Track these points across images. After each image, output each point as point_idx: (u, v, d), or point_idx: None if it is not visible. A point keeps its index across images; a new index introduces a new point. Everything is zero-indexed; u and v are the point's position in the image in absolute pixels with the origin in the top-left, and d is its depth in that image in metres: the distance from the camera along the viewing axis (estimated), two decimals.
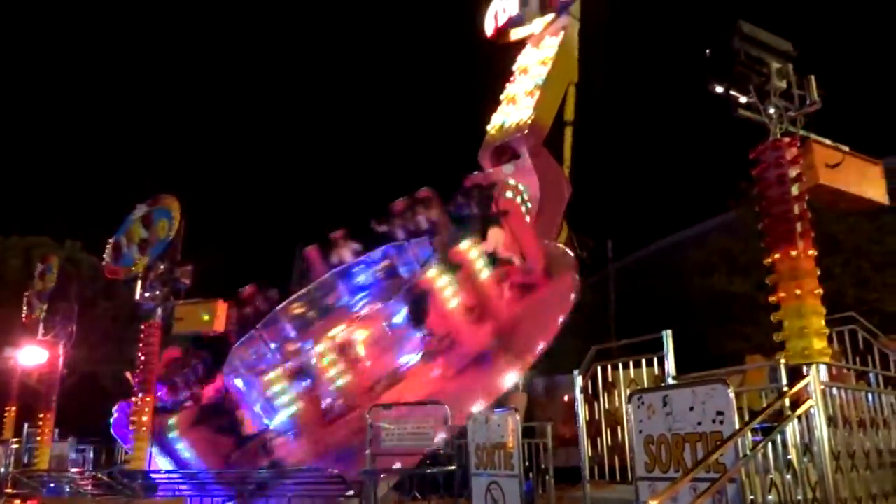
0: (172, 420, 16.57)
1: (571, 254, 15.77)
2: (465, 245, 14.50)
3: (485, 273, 14.58)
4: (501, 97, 18.41)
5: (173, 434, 16.38)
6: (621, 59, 45.57)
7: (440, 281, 14.25)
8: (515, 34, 19.16)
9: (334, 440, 13.93)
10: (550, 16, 18.37)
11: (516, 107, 17.70)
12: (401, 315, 14.58)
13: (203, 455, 16.16)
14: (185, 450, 16.36)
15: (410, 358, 14.85)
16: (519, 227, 15.19)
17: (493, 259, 14.77)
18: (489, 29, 19.68)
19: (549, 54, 17.86)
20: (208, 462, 16.01)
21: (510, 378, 14.03)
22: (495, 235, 14.81)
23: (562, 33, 18.06)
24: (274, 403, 14.68)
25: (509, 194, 15.19)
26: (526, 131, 16.95)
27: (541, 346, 14.21)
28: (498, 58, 19.45)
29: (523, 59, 18.64)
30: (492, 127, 18.04)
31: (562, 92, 17.90)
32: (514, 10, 18.94)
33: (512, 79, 18.63)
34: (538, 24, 18.57)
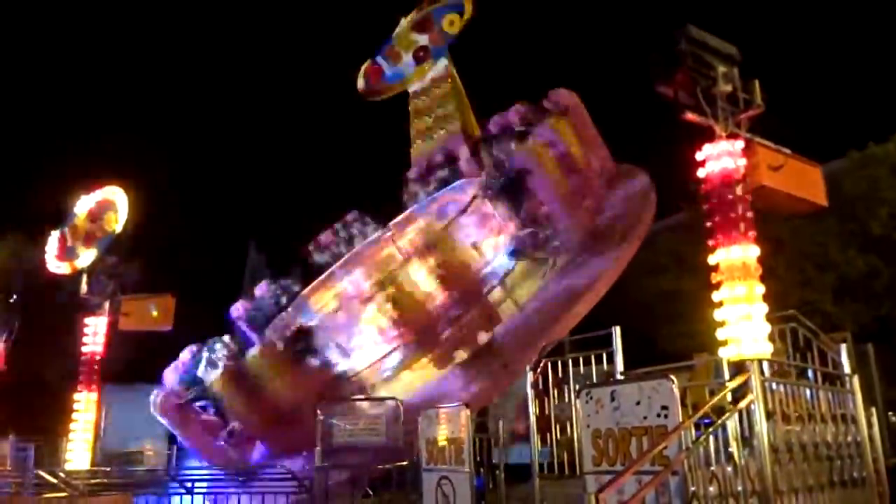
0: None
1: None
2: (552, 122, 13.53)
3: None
4: (410, 129, 18.95)
5: None
6: (573, 58, 46.08)
7: (542, 155, 13.14)
8: (392, 89, 19.78)
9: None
10: (428, 63, 18.92)
11: (432, 130, 18.29)
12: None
13: (189, 435, 15.64)
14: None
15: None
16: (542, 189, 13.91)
17: None
18: (363, 88, 20.17)
19: (445, 86, 18.58)
20: (196, 442, 15.54)
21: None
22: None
23: (446, 71, 18.71)
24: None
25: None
26: (459, 135, 17.44)
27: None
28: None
29: (417, 100, 19.18)
30: (414, 149, 18.52)
31: (471, 117, 18.49)
32: (387, 69, 19.62)
33: (412, 119, 19.17)
34: (417, 74, 19.12)
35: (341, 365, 14.78)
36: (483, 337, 13.74)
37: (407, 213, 17.07)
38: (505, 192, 13.76)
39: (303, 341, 14.57)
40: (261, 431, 14.98)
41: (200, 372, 15.63)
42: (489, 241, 14.28)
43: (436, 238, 13.79)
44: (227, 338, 16.37)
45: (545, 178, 13.31)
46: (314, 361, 14.54)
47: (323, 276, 17.38)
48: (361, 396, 12.50)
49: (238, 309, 17.82)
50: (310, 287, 17.37)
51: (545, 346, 10.86)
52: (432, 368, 14.18)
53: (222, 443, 15.42)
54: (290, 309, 17.07)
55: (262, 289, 17.89)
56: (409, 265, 13.81)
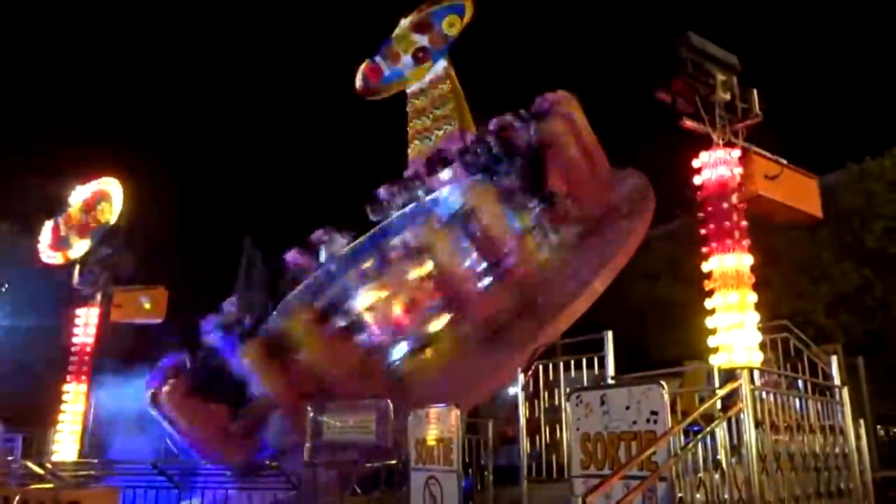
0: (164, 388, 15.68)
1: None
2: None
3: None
4: (408, 130, 18.97)
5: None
6: (572, 63, 46.16)
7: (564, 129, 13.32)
8: (391, 89, 19.82)
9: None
10: (427, 65, 18.97)
11: (430, 131, 18.33)
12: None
13: (196, 425, 15.47)
14: (175, 420, 15.61)
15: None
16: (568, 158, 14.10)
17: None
18: (361, 87, 20.20)
19: (444, 87, 18.59)
20: (203, 433, 15.35)
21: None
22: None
23: (445, 73, 18.77)
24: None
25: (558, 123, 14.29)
26: (456, 134, 17.47)
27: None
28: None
29: (415, 101, 19.20)
30: (412, 150, 18.52)
31: (469, 119, 18.52)
32: (386, 70, 19.64)
33: (410, 119, 19.19)
34: (416, 74, 19.16)
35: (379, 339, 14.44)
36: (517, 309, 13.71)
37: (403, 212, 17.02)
38: (522, 171, 13.82)
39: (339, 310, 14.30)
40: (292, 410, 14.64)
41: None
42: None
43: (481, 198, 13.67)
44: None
45: (567, 152, 13.67)
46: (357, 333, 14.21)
47: (347, 249, 17.22)
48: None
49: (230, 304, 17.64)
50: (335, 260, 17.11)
51: (536, 349, 10.86)
52: (462, 346, 13.96)
53: (230, 433, 15.17)
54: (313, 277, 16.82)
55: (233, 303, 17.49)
56: (446, 236, 13.66)
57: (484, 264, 13.84)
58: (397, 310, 13.87)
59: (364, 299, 14.00)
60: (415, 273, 13.73)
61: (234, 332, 15.88)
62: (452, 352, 13.91)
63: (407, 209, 16.97)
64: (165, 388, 15.73)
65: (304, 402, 12.65)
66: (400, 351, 14.49)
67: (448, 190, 15.64)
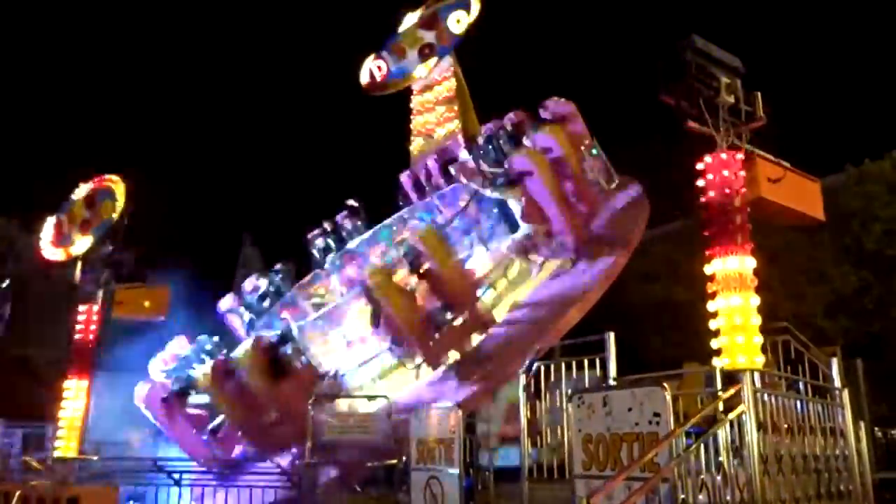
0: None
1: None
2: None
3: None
4: (411, 126, 18.98)
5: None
6: (578, 63, 46.22)
7: (539, 159, 13.04)
8: (396, 85, 19.83)
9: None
10: (433, 60, 18.98)
11: (433, 128, 18.34)
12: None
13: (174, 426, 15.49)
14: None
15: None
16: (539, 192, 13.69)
17: None
18: (366, 82, 20.22)
19: (449, 84, 18.60)
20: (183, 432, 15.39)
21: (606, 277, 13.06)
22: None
23: (450, 70, 18.77)
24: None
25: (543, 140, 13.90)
26: (459, 136, 17.42)
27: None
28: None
29: (420, 97, 19.21)
30: (415, 147, 18.55)
31: (473, 118, 18.51)
32: (391, 65, 19.66)
33: (413, 116, 19.22)
34: (421, 71, 19.17)
35: (326, 364, 14.72)
36: (476, 339, 13.75)
37: (399, 214, 17.06)
38: (500, 195, 13.81)
39: (288, 338, 14.53)
40: (246, 427, 14.90)
41: (188, 364, 15.56)
42: (481, 246, 14.31)
43: (428, 241, 13.75)
44: (216, 338, 16.26)
45: (542, 182, 13.39)
46: (301, 358, 14.49)
47: (309, 277, 17.36)
48: (355, 394, 12.46)
49: (226, 303, 17.74)
50: (297, 285, 17.32)
51: (538, 350, 10.88)
52: (422, 370, 14.14)
53: (206, 438, 15.31)
54: (277, 304, 17.01)
55: (249, 283, 17.77)
56: (400, 268, 13.81)
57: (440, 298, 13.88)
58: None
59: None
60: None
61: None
62: (409, 380, 14.13)
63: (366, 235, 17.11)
64: (145, 390, 15.78)
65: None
66: (359, 375, 14.67)
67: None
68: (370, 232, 17.21)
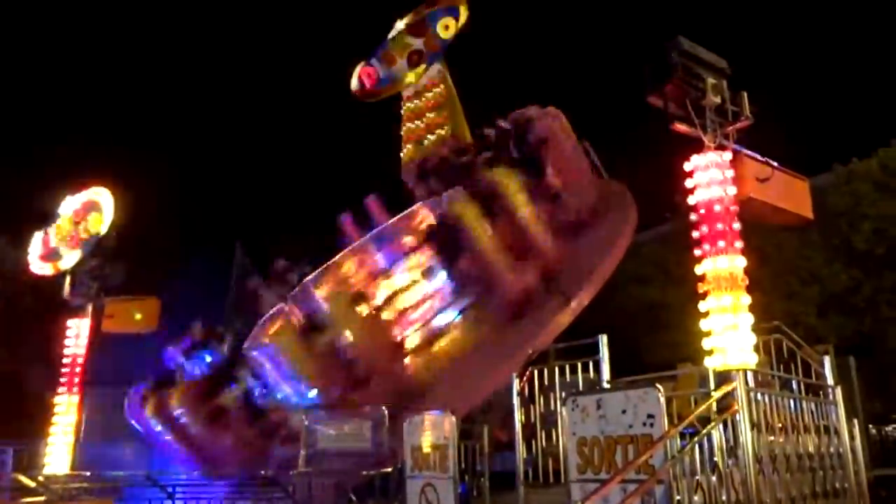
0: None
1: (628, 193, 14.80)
2: (499, 174, 13.13)
3: (523, 208, 13.16)
4: (401, 132, 19.00)
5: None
6: (566, 66, 46.40)
7: (470, 215, 12.71)
8: (385, 91, 19.90)
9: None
10: (422, 67, 19.06)
11: (424, 133, 18.37)
12: (428, 265, 13.19)
13: (213, 434, 15.29)
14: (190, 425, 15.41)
15: (445, 315, 13.71)
16: (561, 158, 13.82)
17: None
18: (356, 89, 20.29)
19: (439, 89, 18.66)
20: (218, 441, 15.17)
21: (557, 327, 12.71)
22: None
23: (440, 75, 18.86)
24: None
25: (550, 122, 14.03)
26: (449, 138, 17.51)
27: (589, 290, 13.04)
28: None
29: (410, 102, 19.27)
30: (405, 153, 18.56)
31: (462, 123, 18.55)
32: (381, 71, 19.74)
33: (404, 122, 19.24)
34: (411, 77, 19.25)
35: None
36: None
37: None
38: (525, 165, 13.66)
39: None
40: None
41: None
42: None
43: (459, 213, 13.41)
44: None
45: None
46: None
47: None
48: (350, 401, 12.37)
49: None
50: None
51: (531, 354, 10.87)
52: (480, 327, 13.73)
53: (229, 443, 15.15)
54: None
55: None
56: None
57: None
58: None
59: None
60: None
61: (203, 353, 15.82)
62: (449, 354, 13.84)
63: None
64: (150, 400, 15.65)
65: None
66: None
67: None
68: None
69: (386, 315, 13.44)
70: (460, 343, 13.59)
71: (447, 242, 13.05)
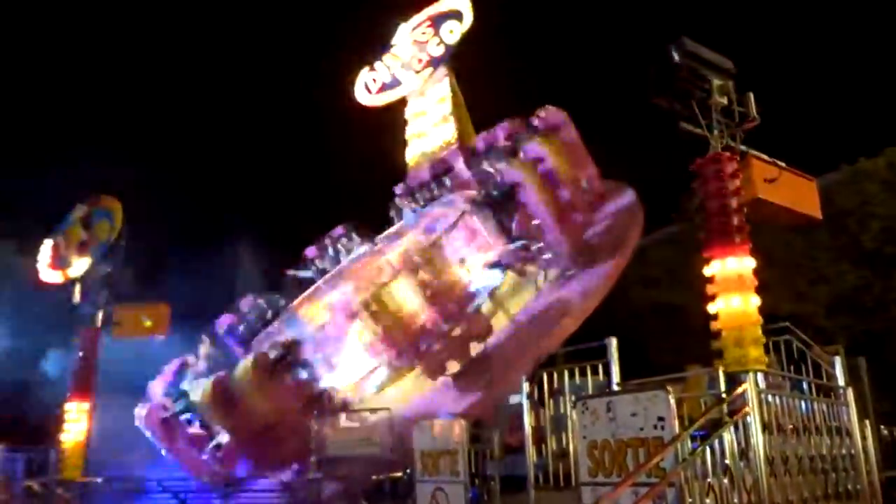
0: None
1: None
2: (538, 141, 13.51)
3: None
4: (406, 136, 19.06)
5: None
6: (570, 69, 46.32)
7: (529, 170, 13.15)
8: (390, 96, 19.96)
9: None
10: (427, 71, 19.10)
11: (429, 138, 18.41)
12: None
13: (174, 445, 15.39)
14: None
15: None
16: (532, 202, 13.90)
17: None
18: (361, 96, 20.36)
19: (444, 94, 18.70)
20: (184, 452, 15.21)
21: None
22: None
23: (445, 80, 18.88)
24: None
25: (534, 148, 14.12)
26: (455, 145, 17.51)
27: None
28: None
29: (415, 107, 19.32)
30: (411, 158, 18.63)
31: (468, 126, 18.59)
32: (386, 77, 19.80)
33: (409, 126, 19.30)
34: (416, 81, 19.29)
35: (326, 379, 14.66)
36: (475, 349, 13.73)
37: (395, 227, 17.12)
38: (495, 206, 13.90)
39: (290, 354, 14.47)
40: (245, 445, 14.81)
41: (186, 384, 15.50)
42: (477, 256, 14.34)
43: (424, 253, 13.78)
44: (211, 349, 16.18)
45: (534, 193, 13.44)
46: (301, 375, 14.42)
47: (310, 290, 17.35)
48: (355, 409, 12.40)
49: (223, 323, 17.70)
50: (297, 300, 17.32)
51: (540, 358, 10.85)
52: (423, 381, 14.10)
53: (207, 457, 15.16)
54: (276, 322, 16.97)
55: (247, 303, 17.79)
56: (397, 280, 13.80)
57: (438, 309, 13.84)
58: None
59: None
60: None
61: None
62: (411, 391, 14.07)
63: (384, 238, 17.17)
64: (145, 411, 15.68)
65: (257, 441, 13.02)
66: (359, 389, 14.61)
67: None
68: (362, 249, 17.26)
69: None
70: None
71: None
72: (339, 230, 17.95)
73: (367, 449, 11.09)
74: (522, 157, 13.90)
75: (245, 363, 14.61)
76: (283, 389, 14.04)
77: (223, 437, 15.02)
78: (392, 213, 17.92)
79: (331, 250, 17.83)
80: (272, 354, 14.52)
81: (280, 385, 14.04)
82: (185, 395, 15.06)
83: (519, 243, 13.84)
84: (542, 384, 10.16)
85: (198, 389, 14.83)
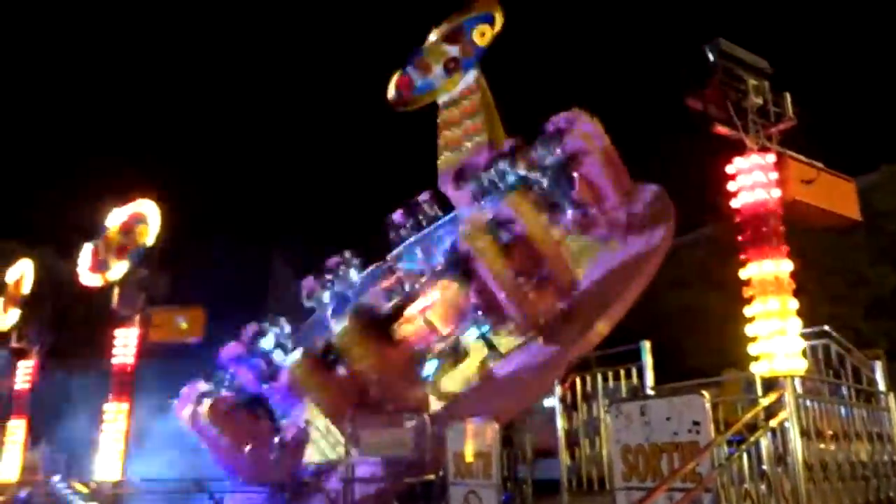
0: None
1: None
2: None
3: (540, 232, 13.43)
4: (439, 142, 19.08)
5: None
6: (603, 70, 46.08)
7: (590, 140, 13.45)
8: (422, 101, 19.97)
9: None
10: (458, 74, 19.07)
11: (461, 143, 18.39)
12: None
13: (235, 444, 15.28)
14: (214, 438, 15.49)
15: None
16: (594, 171, 13.95)
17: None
18: (393, 98, 20.41)
19: (475, 96, 18.64)
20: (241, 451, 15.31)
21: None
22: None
23: (476, 83, 18.82)
24: None
25: (583, 134, 14.04)
26: (486, 145, 17.50)
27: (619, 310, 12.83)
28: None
29: (447, 113, 19.30)
30: (442, 162, 18.65)
31: (499, 129, 18.54)
32: (418, 79, 19.81)
33: (440, 130, 19.30)
34: (447, 84, 19.27)
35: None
36: (562, 304, 13.66)
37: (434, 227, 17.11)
38: (556, 179, 13.97)
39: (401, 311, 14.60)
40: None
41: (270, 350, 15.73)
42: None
43: (517, 205, 13.75)
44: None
45: (596, 160, 13.67)
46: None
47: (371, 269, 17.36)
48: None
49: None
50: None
51: (571, 360, 10.81)
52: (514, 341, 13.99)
53: (274, 453, 15.13)
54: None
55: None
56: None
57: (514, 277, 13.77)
58: (433, 318, 13.94)
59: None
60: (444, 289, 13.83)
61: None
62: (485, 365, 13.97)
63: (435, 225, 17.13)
64: (202, 407, 15.78)
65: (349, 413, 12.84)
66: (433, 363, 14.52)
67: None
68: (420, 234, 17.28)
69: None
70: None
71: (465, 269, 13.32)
72: (424, 195, 17.93)
73: (401, 450, 11.12)
74: (580, 129, 14.11)
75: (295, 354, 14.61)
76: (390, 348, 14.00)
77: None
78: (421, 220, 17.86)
79: (414, 216, 17.73)
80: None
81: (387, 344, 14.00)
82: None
83: (580, 210, 14.00)
84: (575, 388, 10.13)
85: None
